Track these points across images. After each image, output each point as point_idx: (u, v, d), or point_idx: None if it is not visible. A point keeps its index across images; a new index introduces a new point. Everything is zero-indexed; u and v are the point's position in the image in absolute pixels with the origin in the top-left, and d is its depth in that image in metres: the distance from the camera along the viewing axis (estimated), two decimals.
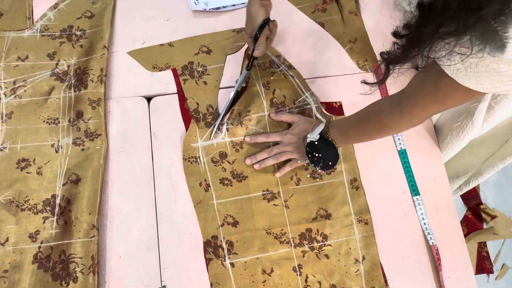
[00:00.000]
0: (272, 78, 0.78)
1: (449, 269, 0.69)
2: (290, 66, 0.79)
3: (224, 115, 0.74)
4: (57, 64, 0.77)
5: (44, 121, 0.73)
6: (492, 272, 1.39)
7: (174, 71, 0.77)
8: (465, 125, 0.67)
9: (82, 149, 0.71)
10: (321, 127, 0.66)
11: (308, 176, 0.73)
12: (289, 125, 0.74)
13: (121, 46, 0.79)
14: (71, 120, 0.73)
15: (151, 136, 0.74)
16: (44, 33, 0.79)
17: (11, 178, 0.69)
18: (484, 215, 1.45)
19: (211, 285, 0.66)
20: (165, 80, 0.77)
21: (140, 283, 0.66)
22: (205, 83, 0.77)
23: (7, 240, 0.66)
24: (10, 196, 0.68)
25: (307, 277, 0.68)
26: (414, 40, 0.38)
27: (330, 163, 0.67)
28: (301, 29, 0.83)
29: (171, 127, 0.74)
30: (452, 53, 0.37)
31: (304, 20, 0.84)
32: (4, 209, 0.67)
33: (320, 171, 0.71)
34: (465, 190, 0.95)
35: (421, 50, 0.37)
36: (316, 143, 0.66)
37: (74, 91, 0.74)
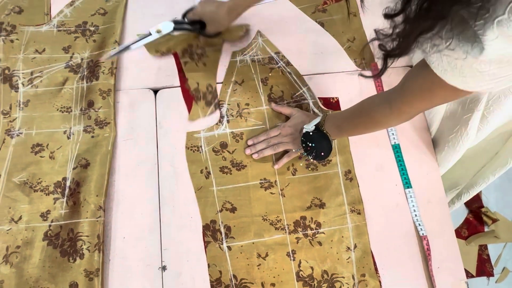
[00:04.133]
0: (270, 74, 0.82)
1: (439, 260, 0.72)
2: (288, 63, 0.83)
3: (122, 49, 0.73)
4: (71, 57, 0.82)
5: (57, 110, 0.78)
6: (492, 275, 1.40)
7: (175, 55, 0.82)
8: (460, 136, 0.69)
9: (92, 136, 0.76)
10: (317, 120, 0.70)
11: (301, 165, 0.76)
12: (288, 118, 0.78)
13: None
14: (83, 109, 0.78)
15: (156, 125, 0.78)
16: (60, 28, 0.85)
17: (26, 162, 0.74)
18: (485, 218, 1.46)
19: (209, 266, 0.70)
20: (171, 74, 0.82)
21: (142, 262, 0.70)
22: (204, 64, 0.82)
23: (20, 218, 0.71)
24: (24, 178, 0.73)
25: (300, 262, 0.71)
26: (406, 23, 0.38)
27: (322, 153, 0.70)
28: (301, 28, 0.87)
29: (175, 118, 0.79)
30: (435, 40, 0.38)
31: (304, 20, 0.88)
32: (18, 189, 0.72)
33: (312, 160, 0.75)
34: (457, 204, 0.95)
35: (413, 35, 0.38)
36: (311, 133, 0.69)
37: (86, 82, 0.79)
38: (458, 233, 1.45)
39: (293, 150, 0.75)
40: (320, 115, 0.77)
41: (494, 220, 1.45)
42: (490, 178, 0.77)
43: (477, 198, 1.49)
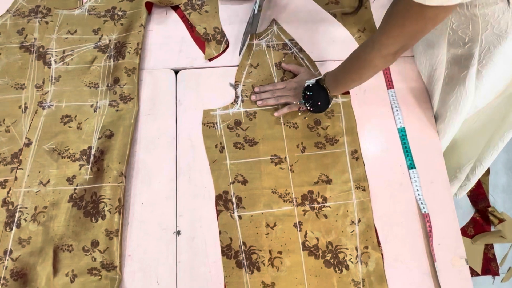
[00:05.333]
0: (283, 59, 0.87)
1: (440, 237, 0.75)
2: (301, 49, 0.88)
3: (247, 33, 0.86)
4: (100, 39, 0.89)
5: (86, 85, 0.85)
6: (497, 274, 1.40)
7: (179, 10, 0.93)
8: (460, 97, 0.72)
9: (117, 110, 0.82)
10: (319, 77, 0.78)
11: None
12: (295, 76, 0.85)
13: (156, 25, 0.91)
14: (109, 85, 0.84)
15: (176, 103, 0.84)
16: (91, 12, 0.92)
17: (55, 131, 0.80)
18: (492, 218, 1.47)
19: (220, 233, 0.74)
20: (192, 56, 0.88)
21: (158, 227, 0.75)
22: (206, 12, 0.91)
23: (48, 181, 0.76)
24: (53, 146, 0.79)
25: (306, 233, 0.75)
26: None
27: (319, 103, 0.77)
28: (314, 18, 0.92)
29: (194, 96, 0.84)
30: None
31: (318, 10, 0.93)
32: (48, 155, 0.78)
33: (308, 107, 0.79)
34: (473, 180, 0.95)
35: None
36: (311, 85, 0.77)
37: (113, 61, 0.86)
38: (465, 231, 1.46)
39: (294, 102, 0.81)
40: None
41: (501, 220, 1.46)
42: (499, 145, 0.78)
43: (485, 197, 1.51)
